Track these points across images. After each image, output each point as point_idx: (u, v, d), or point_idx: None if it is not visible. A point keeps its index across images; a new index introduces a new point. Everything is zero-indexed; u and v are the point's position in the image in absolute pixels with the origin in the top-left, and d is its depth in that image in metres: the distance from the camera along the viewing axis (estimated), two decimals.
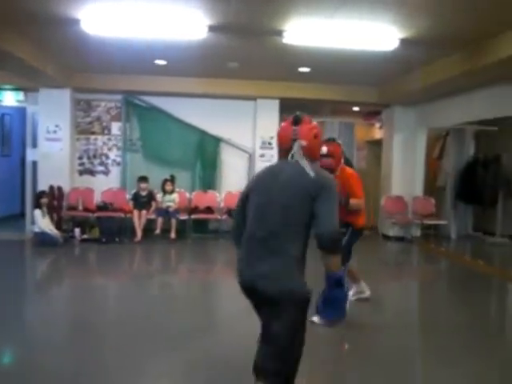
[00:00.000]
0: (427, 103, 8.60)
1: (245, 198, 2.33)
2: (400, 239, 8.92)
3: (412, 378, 3.23)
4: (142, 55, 6.66)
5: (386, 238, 9.05)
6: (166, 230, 8.00)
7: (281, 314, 2.10)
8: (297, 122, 2.29)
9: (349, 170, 4.30)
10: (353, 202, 4.06)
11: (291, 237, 2.13)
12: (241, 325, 3.83)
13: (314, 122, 2.37)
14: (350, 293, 4.46)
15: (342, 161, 4.28)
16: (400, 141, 9.15)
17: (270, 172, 2.33)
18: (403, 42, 5.58)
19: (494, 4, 4.45)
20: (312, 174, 2.16)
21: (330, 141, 4.13)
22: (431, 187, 9.55)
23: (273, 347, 2.14)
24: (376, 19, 4.95)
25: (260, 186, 2.29)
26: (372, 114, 10.19)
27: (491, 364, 3.42)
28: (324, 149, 3.93)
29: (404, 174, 9.04)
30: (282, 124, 2.38)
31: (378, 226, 9.52)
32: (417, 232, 9.20)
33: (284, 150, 2.30)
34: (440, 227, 9.40)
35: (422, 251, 8.48)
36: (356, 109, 10.01)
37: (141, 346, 3.51)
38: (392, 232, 9.07)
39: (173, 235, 7.94)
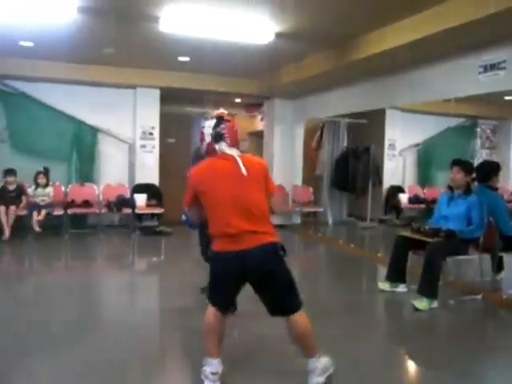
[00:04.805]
0: (304, 96, 8.95)
1: None
2: (282, 227, 9.23)
3: None
4: (6, 35, 6.07)
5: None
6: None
7: None
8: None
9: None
10: None
11: None
12: (126, 319, 3.67)
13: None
14: None
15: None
16: (280, 132, 9.45)
17: None
18: (278, 35, 5.70)
19: (360, 8, 4.80)
20: None
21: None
22: (310, 176, 10.01)
23: None
24: (252, 11, 4.98)
25: None
26: (254, 105, 10.38)
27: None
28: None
29: (284, 164, 9.36)
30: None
31: None
32: (297, 219, 9.59)
33: None
34: (318, 214, 9.90)
35: (302, 238, 8.86)
36: (238, 100, 10.12)
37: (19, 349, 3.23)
38: (276, 220, 9.33)
39: (37, 228, 7.30)
